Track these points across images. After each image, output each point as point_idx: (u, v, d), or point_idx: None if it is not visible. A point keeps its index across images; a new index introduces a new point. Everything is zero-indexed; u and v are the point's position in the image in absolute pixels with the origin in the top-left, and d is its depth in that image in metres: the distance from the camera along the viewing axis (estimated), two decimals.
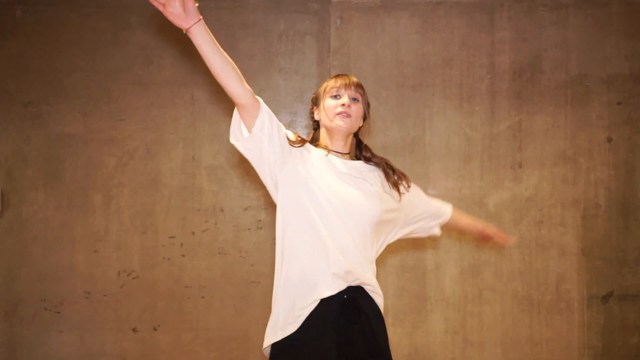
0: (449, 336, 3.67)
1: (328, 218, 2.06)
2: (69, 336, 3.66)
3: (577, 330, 3.67)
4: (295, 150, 2.13)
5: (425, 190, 3.65)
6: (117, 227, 3.66)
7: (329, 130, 2.19)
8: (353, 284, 2.08)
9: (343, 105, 2.15)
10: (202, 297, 3.67)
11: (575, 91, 3.69)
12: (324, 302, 2.05)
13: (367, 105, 2.23)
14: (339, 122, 2.15)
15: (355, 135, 2.28)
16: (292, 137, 2.16)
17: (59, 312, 3.67)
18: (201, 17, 2.01)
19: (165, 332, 3.66)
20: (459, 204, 3.66)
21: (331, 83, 2.20)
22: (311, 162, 2.12)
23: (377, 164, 2.27)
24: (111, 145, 3.68)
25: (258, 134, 2.06)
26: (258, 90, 3.68)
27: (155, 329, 3.67)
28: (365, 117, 2.24)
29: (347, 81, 2.18)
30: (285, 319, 2.06)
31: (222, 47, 3.82)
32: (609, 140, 3.69)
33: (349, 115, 2.15)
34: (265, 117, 2.06)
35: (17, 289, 3.67)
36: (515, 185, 3.68)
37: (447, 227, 2.56)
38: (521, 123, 3.69)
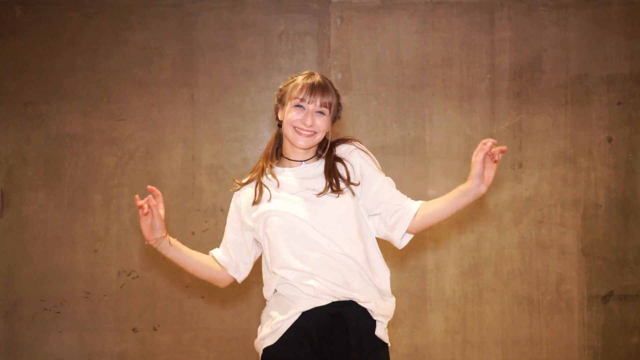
0: (449, 336, 3.68)
1: (291, 241, 1.98)
2: (69, 336, 3.66)
3: (577, 330, 3.67)
4: (244, 209, 2.10)
5: (426, 190, 3.68)
6: (117, 227, 3.67)
7: (290, 141, 2.05)
8: (340, 298, 1.94)
9: (304, 124, 1.99)
10: (202, 297, 3.67)
11: (575, 91, 3.69)
12: (305, 315, 1.95)
13: (336, 111, 2.07)
14: (300, 142, 2.01)
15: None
16: (236, 204, 2.15)
17: (59, 312, 3.67)
18: (166, 234, 2.10)
19: (165, 332, 3.66)
20: None
21: (297, 89, 2.01)
22: (265, 197, 2.04)
23: (327, 164, 2.06)
24: (111, 145, 3.68)
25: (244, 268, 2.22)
26: (258, 90, 3.71)
27: (155, 329, 3.67)
28: (335, 120, 2.10)
29: (314, 84, 2.00)
30: (266, 328, 2.03)
31: (222, 47, 3.84)
32: (609, 140, 3.69)
33: (312, 135, 2.01)
34: (238, 263, 2.18)
35: (17, 289, 3.67)
36: (515, 185, 3.68)
37: (434, 225, 2.22)
38: (521, 123, 3.69)
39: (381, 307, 2.00)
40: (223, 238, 2.17)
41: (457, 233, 3.68)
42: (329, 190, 1.99)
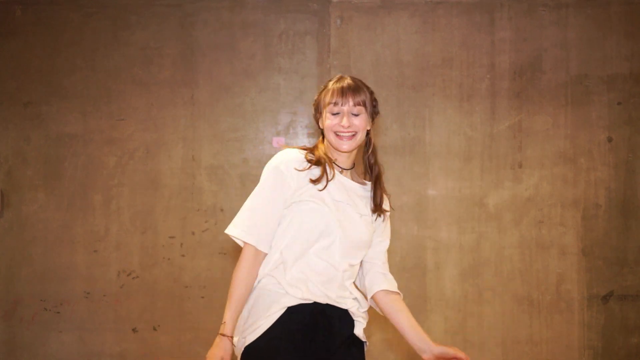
0: (449, 336, 3.67)
1: (312, 240, 2.00)
2: (69, 336, 3.66)
3: (577, 330, 3.67)
4: (295, 187, 2.01)
5: (426, 190, 3.68)
6: (117, 227, 3.67)
7: (333, 147, 2.05)
8: (321, 301, 1.97)
9: (342, 127, 2.00)
10: (202, 297, 3.67)
11: (575, 91, 3.69)
12: (289, 310, 1.96)
13: (372, 107, 2.09)
14: (343, 146, 2.02)
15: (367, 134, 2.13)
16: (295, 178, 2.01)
17: (58, 312, 3.67)
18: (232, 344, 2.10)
19: (165, 332, 3.66)
20: (459, 203, 3.68)
21: (330, 92, 2.04)
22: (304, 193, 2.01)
23: (373, 184, 2.12)
24: (111, 145, 3.68)
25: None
26: (258, 90, 3.71)
27: (155, 329, 3.67)
28: (375, 116, 2.12)
29: (344, 88, 2.03)
30: (249, 327, 2.03)
31: (222, 47, 3.85)
32: (609, 140, 3.69)
33: (352, 137, 2.02)
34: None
35: (17, 289, 3.67)
36: (515, 185, 3.68)
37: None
38: (521, 123, 3.69)
39: (362, 309, 2.08)
40: (254, 217, 2.05)
41: (457, 233, 3.68)
42: (374, 216, 2.08)
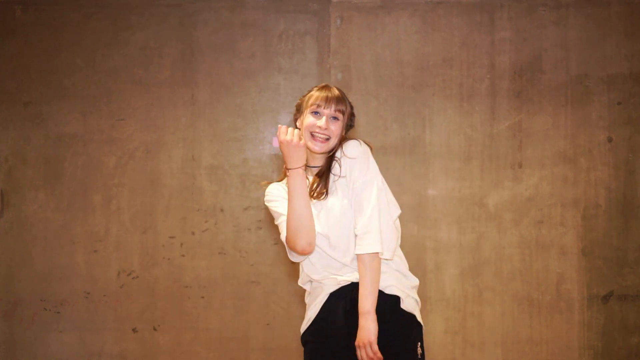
0: (449, 336, 3.67)
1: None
2: (69, 336, 3.66)
3: (577, 330, 3.67)
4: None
5: (426, 190, 3.68)
6: (117, 227, 3.67)
7: (307, 147, 2.16)
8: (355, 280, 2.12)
9: (320, 127, 2.13)
10: (202, 297, 3.67)
11: (575, 91, 3.69)
12: (332, 296, 2.15)
13: (350, 117, 2.22)
14: (316, 147, 2.15)
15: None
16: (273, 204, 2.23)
17: (58, 312, 3.67)
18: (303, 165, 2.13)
19: (165, 332, 3.66)
20: (459, 203, 3.68)
21: (314, 97, 2.17)
22: None
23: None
24: (111, 145, 3.68)
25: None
26: (258, 90, 3.71)
27: (155, 329, 3.67)
28: (349, 129, 2.25)
29: (329, 95, 2.16)
30: (305, 322, 2.22)
31: (222, 47, 3.85)
32: (609, 140, 3.69)
33: (325, 140, 2.15)
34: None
35: (17, 289, 3.67)
36: (515, 185, 3.68)
37: None
38: (521, 123, 3.69)
39: (397, 281, 2.18)
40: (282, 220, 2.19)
41: (457, 233, 3.67)
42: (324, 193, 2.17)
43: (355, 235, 2.11)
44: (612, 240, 3.68)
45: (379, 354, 2.03)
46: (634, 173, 3.69)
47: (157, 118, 3.69)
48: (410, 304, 2.16)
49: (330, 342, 2.12)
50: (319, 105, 2.15)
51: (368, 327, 2.03)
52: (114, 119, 3.69)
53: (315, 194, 2.14)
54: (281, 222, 2.17)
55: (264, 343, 3.65)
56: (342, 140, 2.19)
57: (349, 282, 2.13)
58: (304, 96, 2.22)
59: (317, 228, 2.12)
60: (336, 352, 2.11)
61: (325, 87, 2.20)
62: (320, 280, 2.17)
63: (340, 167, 2.14)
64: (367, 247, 2.07)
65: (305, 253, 2.12)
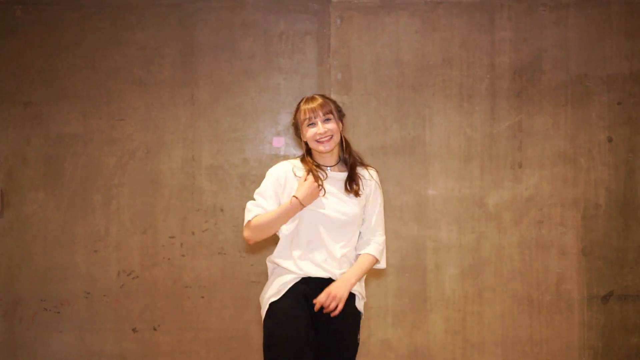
0: (449, 336, 3.68)
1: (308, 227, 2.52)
2: (69, 336, 3.66)
3: (577, 330, 3.67)
4: (288, 188, 2.56)
5: (426, 190, 3.68)
6: (117, 227, 3.67)
7: (317, 151, 2.56)
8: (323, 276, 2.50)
9: (320, 134, 2.50)
10: (202, 297, 3.67)
11: (575, 91, 3.69)
12: (304, 280, 2.49)
13: (338, 112, 2.57)
14: (325, 148, 2.52)
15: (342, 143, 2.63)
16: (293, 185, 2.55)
17: (59, 312, 3.67)
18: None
19: (165, 332, 3.66)
20: (459, 203, 3.68)
21: (302, 112, 2.54)
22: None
23: (351, 171, 2.61)
24: (111, 145, 3.68)
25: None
26: (258, 90, 3.71)
27: (155, 329, 3.67)
28: (342, 117, 2.61)
29: (314, 106, 2.52)
30: (272, 289, 2.54)
31: (222, 47, 3.86)
32: (609, 140, 3.69)
33: (329, 139, 2.52)
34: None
35: (17, 289, 3.67)
36: (515, 185, 3.68)
37: None
38: (521, 123, 3.69)
39: (359, 286, 2.58)
40: (259, 207, 2.54)
41: (457, 233, 3.68)
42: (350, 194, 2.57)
43: (365, 243, 2.58)
44: (612, 240, 3.68)
45: (336, 310, 2.42)
46: (634, 173, 3.69)
47: (157, 118, 3.69)
48: (360, 303, 2.57)
49: (293, 321, 2.44)
50: (310, 118, 2.52)
51: (344, 287, 2.45)
52: (114, 119, 3.69)
53: (352, 192, 2.54)
54: (256, 206, 2.53)
55: None
56: (356, 155, 2.64)
57: (325, 277, 2.49)
58: (296, 113, 2.59)
59: (331, 213, 2.50)
60: (297, 331, 2.43)
61: (309, 99, 2.56)
62: (297, 265, 2.50)
63: (362, 185, 2.58)
64: (375, 252, 2.57)
65: (247, 241, 2.56)
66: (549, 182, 3.68)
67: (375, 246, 2.56)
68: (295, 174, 2.54)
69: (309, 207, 2.49)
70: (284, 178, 2.54)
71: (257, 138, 3.70)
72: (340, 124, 2.57)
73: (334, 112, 2.54)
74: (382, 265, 2.61)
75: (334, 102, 2.58)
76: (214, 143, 3.69)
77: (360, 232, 2.60)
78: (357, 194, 2.53)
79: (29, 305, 3.67)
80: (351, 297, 2.50)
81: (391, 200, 3.65)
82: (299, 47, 3.71)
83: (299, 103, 2.57)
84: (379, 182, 2.62)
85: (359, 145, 3.61)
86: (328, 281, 2.48)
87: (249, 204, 2.53)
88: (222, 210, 3.67)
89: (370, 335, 3.67)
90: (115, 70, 3.69)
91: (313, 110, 2.51)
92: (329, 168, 2.58)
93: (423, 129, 3.69)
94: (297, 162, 2.60)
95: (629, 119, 3.69)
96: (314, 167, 2.53)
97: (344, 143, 2.60)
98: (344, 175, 2.57)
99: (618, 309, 3.68)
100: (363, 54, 3.69)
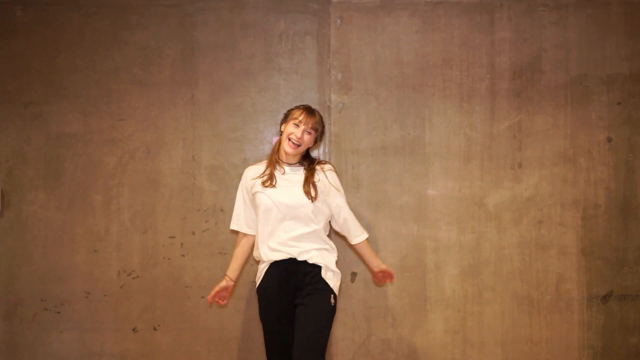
0: (449, 336, 3.68)
1: (272, 214, 2.97)
2: (69, 336, 3.66)
3: (577, 330, 3.67)
4: (251, 190, 3.08)
5: (426, 190, 3.68)
6: (117, 227, 3.67)
7: (284, 149, 3.01)
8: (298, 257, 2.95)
9: (296, 137, 2.96)
10: (202, 297, 3.67)
11: (575, 91, 3.70)
12: (273, 264, 2.98)
13: (320, 135, 3.07)
14: (288, 149, 2.99)
15: (307, 150, 3.10)
16: (250, 188, 3.10)
17: (59, 312, 3.67)
18: (232, 282, 3.16)
19: (165, 332, 3.67)
20: (458, 203, 3.68)
21: (299, 113, 2.99)
22: (261, 185, 3.03)
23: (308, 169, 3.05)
24: (111, 145, 3.68)
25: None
26: (258, 90, 3.71)
27: (155, 329, 3.67)
28: (315, 142, 3.08)
29: (310, 116, 2.99)
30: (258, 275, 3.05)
31: (222, 47, 3.86)
32: (609, 140, 3.70)
33: (298, 145, 2.98)
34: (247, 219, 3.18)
35: (17, 289, 3.67)
36: (515, 185, 3.68)
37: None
38: (521, 123, 3.70)
39: (322, 259, 2.99)
40: (237, 217, 3.16)
41: (457, 233, 3.68)
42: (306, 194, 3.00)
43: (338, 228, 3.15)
44: (612, 240, 3.68)
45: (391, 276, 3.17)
46: (633, 173, 3.69)
47: (157, 118, 3.69)
48: (326, 274, 2.97)
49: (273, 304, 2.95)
50: (300, 121, 2.98)
51: (379, 263, 3.16)
52: (114, 119, 3.69)
53: (307, 187, 2.98)
54: (236, 216, 3.15)
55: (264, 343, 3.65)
56: (314, 158, 3.13)
57: (289, 257, 2.94)
58: (292, 110, 3.04)
59: (286, 200, 2.95)
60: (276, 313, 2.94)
61: (311, 111, 3.02)
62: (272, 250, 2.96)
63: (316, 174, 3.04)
64: (362, 235, 3.14)
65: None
66: (548, 182, 3.68)
67: (357, 231, 3.11)
68: (252, 176, 3.07)
69: (267, 196, 2.95)
70: (251, 184, 3.07)
71: (257, 138, 3.70)
72: (314, 143, 3.05)
73: (318, 133, 3.03)
74: (366, 234, 3.15)
75: (323, 127, 3.08)
76: (214, 143, 3.69)
77: (339, 223, 3.10)
78: (308, 183, 2.96)
79: (29, 305, 3.67)
80: (317, 269, 2.95)
81: (391, 200, 3.65)
82: (299, 47, 3.71)
83: (302, 106, 3.05)
84: (333, 171, 3.08)
85: (359, 145, 3.62)
86: (290, 261, 2.93)
87: (234, 208, 3.14)
88: (222, 210, 3.67)
89: (370, 335, 3.67)
90: (115, 70, 3.69)
91: (306, 119, 2.97)
92: (286, 166, 3.05)
93: (423, 129, 3.69)
94: (258, 165, 3.12)
95: (629, 119, 3.69)
96: (274, 162, 3.03)
97: (306, 154, 3.09)
98: (299, 169, 3.04)
99: (618, 308, 3.68)
100: (363, 54, 3.69)
